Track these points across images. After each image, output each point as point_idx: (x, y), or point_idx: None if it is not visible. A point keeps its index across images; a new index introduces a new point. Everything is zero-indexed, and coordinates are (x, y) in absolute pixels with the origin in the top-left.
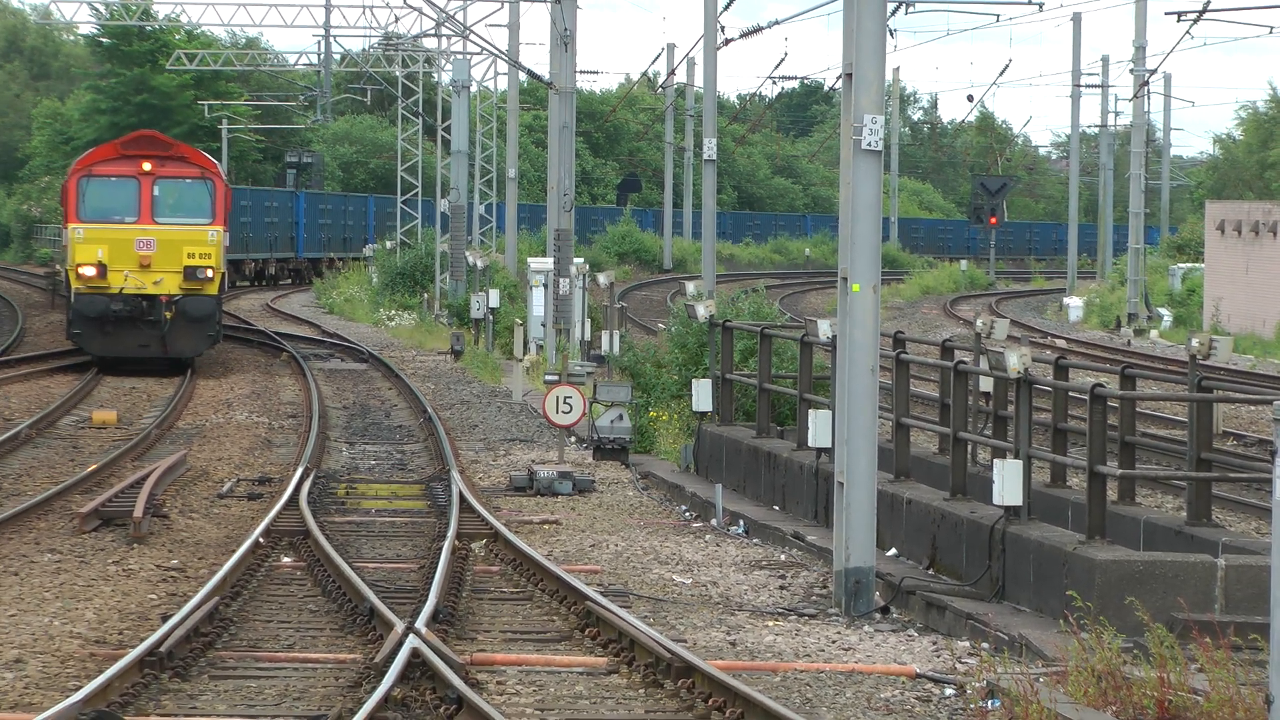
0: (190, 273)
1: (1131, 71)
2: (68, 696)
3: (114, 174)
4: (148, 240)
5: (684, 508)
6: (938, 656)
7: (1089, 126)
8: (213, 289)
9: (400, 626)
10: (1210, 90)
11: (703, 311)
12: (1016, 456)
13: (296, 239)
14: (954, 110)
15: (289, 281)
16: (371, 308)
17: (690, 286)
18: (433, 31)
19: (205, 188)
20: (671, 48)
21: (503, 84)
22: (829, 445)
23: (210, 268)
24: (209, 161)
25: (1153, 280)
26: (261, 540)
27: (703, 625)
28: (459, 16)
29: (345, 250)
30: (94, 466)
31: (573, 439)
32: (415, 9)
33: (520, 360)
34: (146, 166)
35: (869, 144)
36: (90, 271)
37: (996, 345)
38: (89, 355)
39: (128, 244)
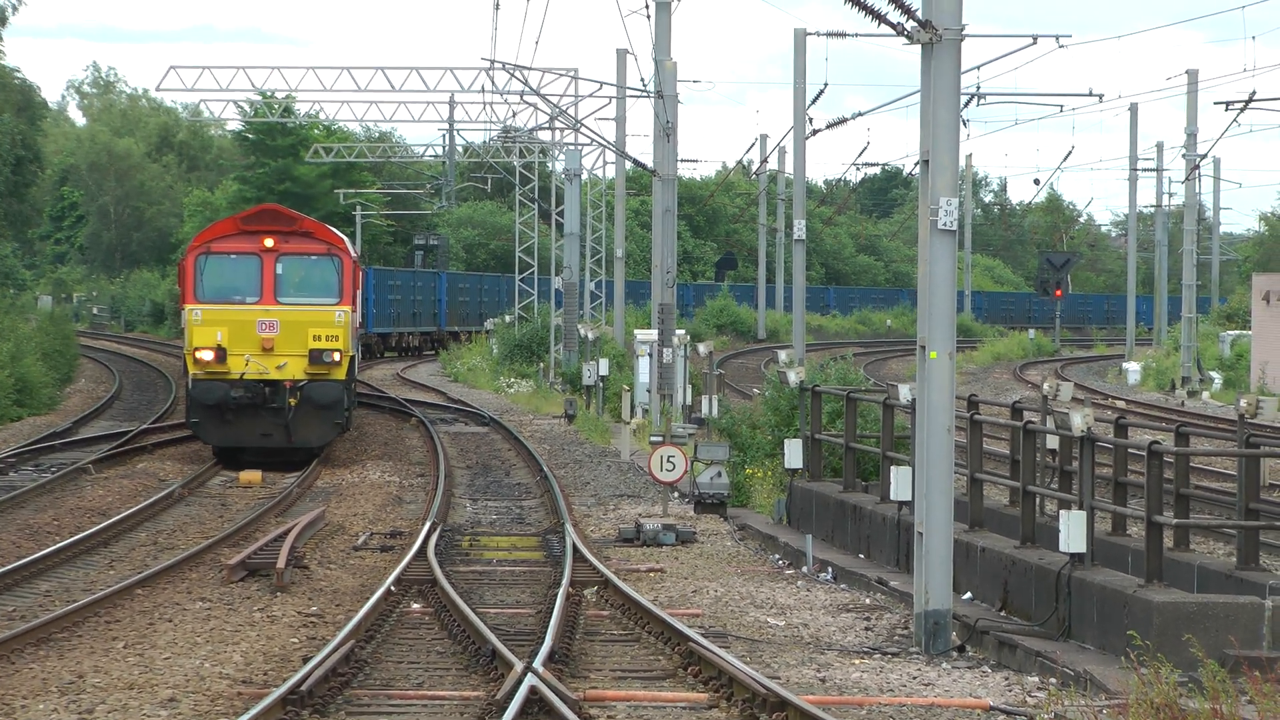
0: (316, 356)
1: (1184, 156)
2: None
3: (234, 250)
4: (270, 321)
5: (777, 556)
6: (1010, 691)
7: (1146, 207)
8: (340, 373)
9: (519, 666)
10: (1256, 172)
11: (794, 377)
12: (1081, 508)
13: (367, 315)
14: (1022, 192)
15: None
16: (492, 376)
17: (782, 355)
18: (547, 125)
19: (332, 264)
20: (764, 138)
21: (611, 172)
22: (909, 498)
23: (338, 350)
24: (335, 237)
25: (1204, 346)
26: (393, 588)
27: (795, 663)
28: (571, 111)
29: (414, 325)
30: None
31: (676, 494)
32: (531, 104)
33: (628, 423)
34: (269, 243)
35: (945, 224)
36: (208, 356)
37: (1062, 407)
38: (208, 444)
39: (249, 326)
